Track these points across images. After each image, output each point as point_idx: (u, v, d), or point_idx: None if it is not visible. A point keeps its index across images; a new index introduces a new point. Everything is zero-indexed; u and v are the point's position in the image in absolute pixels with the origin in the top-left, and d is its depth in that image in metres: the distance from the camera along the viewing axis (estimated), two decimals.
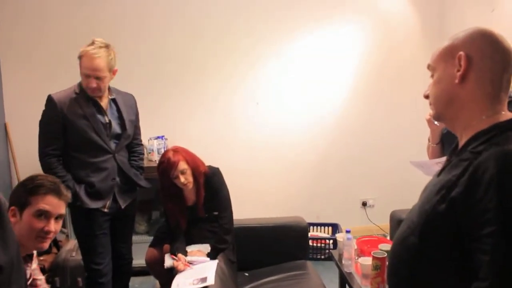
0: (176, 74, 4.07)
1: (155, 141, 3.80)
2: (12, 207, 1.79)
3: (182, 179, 2.66)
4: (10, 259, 1.12)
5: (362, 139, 4.45)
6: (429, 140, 2.33)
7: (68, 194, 1.88)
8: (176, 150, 2.73)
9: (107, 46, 2.54)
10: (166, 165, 2.65)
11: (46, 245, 1.82)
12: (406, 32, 4.41)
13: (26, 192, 1.79)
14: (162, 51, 4.02)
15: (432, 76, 1.23)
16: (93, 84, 2.50)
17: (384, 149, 4.47)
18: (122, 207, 2.74)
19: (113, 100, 2.70)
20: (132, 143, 2.85)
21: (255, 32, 4.14)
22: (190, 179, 2.70)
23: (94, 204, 2.61)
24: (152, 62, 4.02)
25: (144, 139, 3.80)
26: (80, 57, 2.50)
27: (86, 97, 2.57)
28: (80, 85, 2.60)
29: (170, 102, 4.10)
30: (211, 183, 2.78)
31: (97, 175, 2.61)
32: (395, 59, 4.39)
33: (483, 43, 1.12)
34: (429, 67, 1.23)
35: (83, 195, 2.57)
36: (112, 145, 2.67)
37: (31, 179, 1.86)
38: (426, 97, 1.24)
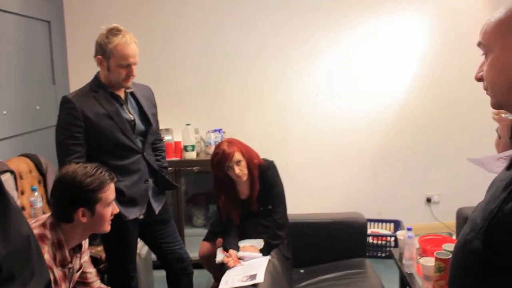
0: (233, 66, 4.05)
1: (213, 134, 3.78)
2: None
3: (237, 170, 2.60)
4: (11, 252, 0.94)
5: (426, 132, 4.22)
6: (498, 134, 2.09)
7: None
8: (230, 141, 2.68)
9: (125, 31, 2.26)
10: (221, 156, 2.60)
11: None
12: (477, 19, 4.06)
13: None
14: (219, 44, 4.02)
15: (484, 55, 0.98)
16: (135, 72, 2.24)
17: (450, 142, 4.22)
18: (156, 212, 2.47)
19: (131, 94, 2.39)
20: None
21: (312, 22, 4.02)
22: (245, 170, 2.64)
23: (132, 214, 2.32)
24: (209, 56, 4.02)
25: (202, 132, 3.86)
26: (111, 50, 2.18)
27: (104, 93, 2.27)
28: (95, 81, 2.30)
29: (227, 95, 4.08)
30: (266, 176, 2.72)
31: (128, 179, 2.30)
32: (465, 48, 4.09)
33: None
34: (479, 45, 0.99)
35: (117, 206, 1.99)
36: (139, 143, 2.38)
37: None
38: (479, 79, 1.00)
